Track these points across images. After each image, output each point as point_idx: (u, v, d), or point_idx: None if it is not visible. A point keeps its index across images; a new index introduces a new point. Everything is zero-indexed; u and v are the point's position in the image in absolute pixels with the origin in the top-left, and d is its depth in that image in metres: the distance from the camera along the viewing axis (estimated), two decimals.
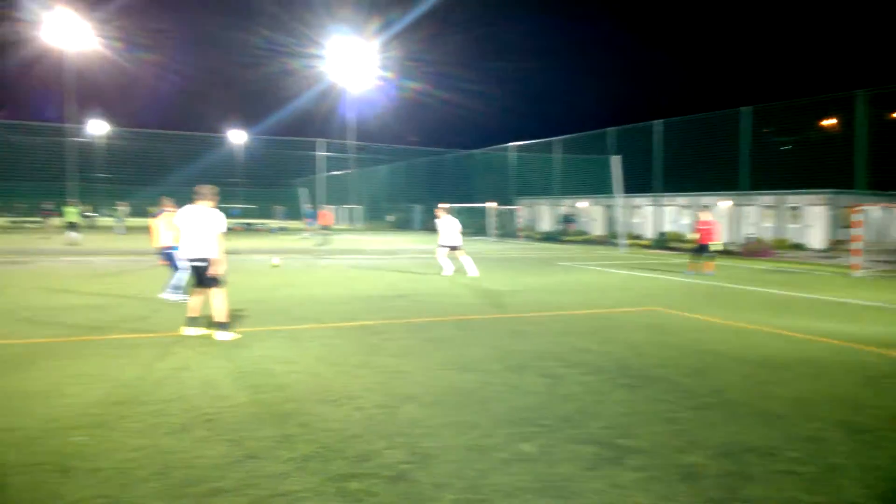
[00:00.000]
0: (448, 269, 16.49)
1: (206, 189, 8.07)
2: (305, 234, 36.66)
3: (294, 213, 67.26)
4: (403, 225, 55.89)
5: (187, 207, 8.09)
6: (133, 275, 15.66)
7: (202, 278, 8.02)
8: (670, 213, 38.90)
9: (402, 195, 57.66)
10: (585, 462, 4.30)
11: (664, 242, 32.76)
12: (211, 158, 63.08)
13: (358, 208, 58.92)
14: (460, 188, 47.90)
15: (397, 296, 12.35)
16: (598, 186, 37.59)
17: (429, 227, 51.59)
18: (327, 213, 30.98)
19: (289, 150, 61.86)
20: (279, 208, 39.70)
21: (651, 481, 4.03)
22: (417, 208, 55.66)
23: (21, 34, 45.93)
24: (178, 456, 4.26)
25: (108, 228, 41.36)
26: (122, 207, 39.83)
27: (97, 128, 57.70)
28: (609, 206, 39.86)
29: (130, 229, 37.42)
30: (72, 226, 28.59)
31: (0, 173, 45.60)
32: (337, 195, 55.10)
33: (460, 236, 16.87)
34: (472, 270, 16.15)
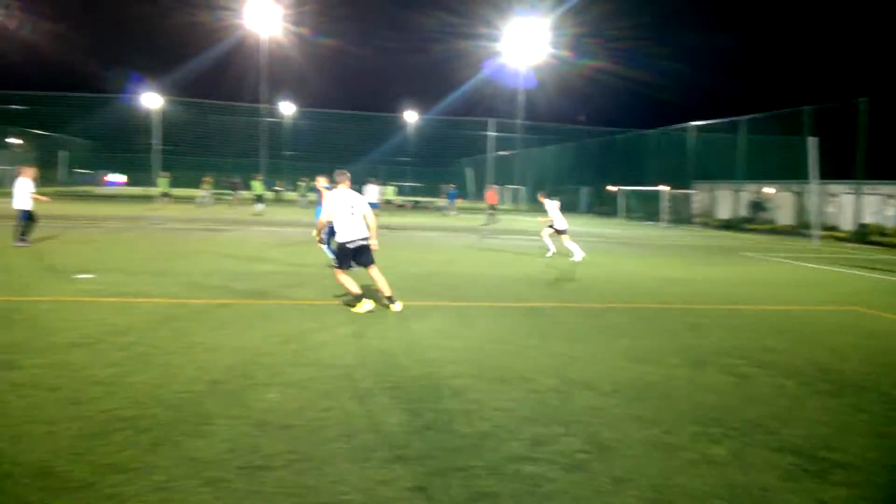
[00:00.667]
0: (551, 250, 16.47)
1: (345, 174, 8.26)
2: (451, 213, 37.53)
3: (460, 192, 68.75)
4: (568, 207, 54.98)
5: (336, 191, 8.22)
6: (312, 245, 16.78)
7: (361, 258, 8.23)
8: (872, 203, 34.75)
9: (569, 177, 56.64)
10: (783, 472, 3.92)
11: (864, 235, 29.34)
12: (386, 137, 65.98)
13: (521, 189, 58.77)
14: (632, 170, 46.06)
15: (566, 279, 12.12)
16: (787, 171, 34.42)
17: (595, 210, 50.32)
18: (493, 192, 31.10)
19: (458, 129, 63.03)
20: (451, 187, 40.81)
21: (862, 502, 3.58)
22: (584, 190, 54.41)
23: (225, 21, 50.63)
24: (363, 420, 4.45)
25: (293, 202, 44.66)
26: (304, 183, 42.78)
27: (286, 108, 62.31)
28: (800, 194, 36.42)
29: (312, 203, 40.15)
30: (258, 198, 31.40)
31: (201, 149, 50.85)
32: (502, 176, 55.32)
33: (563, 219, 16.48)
34: (578, 254, 15.80)
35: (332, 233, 11.43)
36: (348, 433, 4.22)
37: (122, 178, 71.55)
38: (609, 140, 52.86)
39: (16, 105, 52.23)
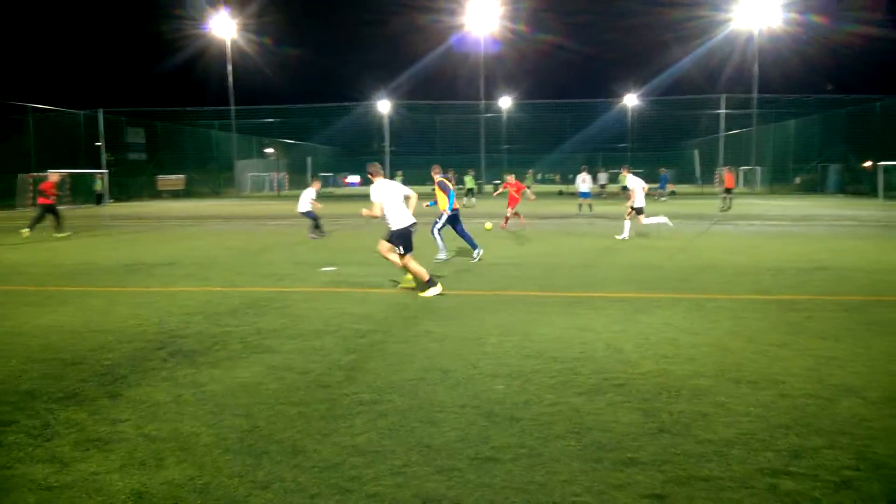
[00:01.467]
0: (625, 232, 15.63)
1: (378, 166, 8.93)
2: (662, 198, 35.30)
3: (685, 177, 64.58)
4: (814, 188, 49.10)
5: (381, 182, 8.69)
6: (539, 237, 16.77)
7: (410, 243, 8.60)
8: None
9: (815, 153, 50.47)
10: None
11: None
12: (603, 124, 64.29)
13: (757, 169, 53.65)
14: (894, 142, 39.73)
15: (816, 268, 10.73)
16: None
17: (848, 189, 44.32)
18: (729, 174, 28.54)
19: (682, 110, 59.36)
20: (663, 171, 38.42)
21: None
22: (833, 168, 48.18)
23: (446, 24, 52.86)
24: (592, 418, 4.26)
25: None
26: (530, 175, 43.17)
27: (504, 103, 63.48)
28: None
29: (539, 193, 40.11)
30: (469, 192, 32.70)
31: (426, 148, 53.58)
32: (735, 157, 50.93)
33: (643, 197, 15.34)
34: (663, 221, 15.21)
35: (450, 221, 11.38)
36: (577, 430, 4.05)
37: (358, 178, 78.35)
38: (864, 109, 46.15)
39: (269, 118, 59.34)
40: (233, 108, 53.26)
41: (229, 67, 52.64)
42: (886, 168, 38.56)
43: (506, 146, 62.93)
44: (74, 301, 8.41)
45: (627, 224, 15.74)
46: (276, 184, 62.27)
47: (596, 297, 8.21)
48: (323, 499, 3.25)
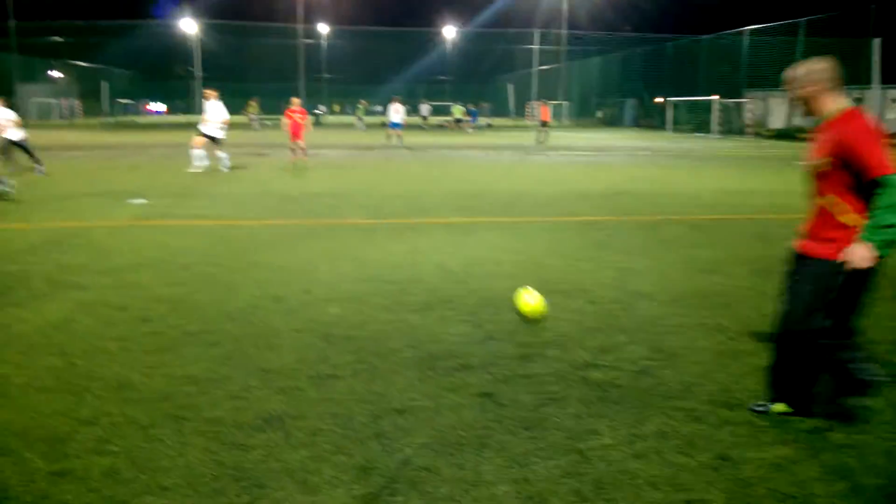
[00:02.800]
0: None
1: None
2: (468, 130, 37.04)
3: (500, 110, 67.11)
4: (613, 121, 53.49)
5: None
6: (351, 169, 16.72)
7: None
8: None
9: (615, 90, 54.69)
10: None
11: None
12: (424, 55, 64.46)
13: (564, 104, 57.19)
14: (681, 81, 44.12)
15: (617, 193, 11.86)
16: (848, 76, 32.58)
17: (642, 123, 48.77)
18: (545, 107, 29.87)
19: (498, 44, 61.11)
20: (484, 105, 39.72)
21: None
22: (630, 103, 52.63)
23: None
24: (424, 331, 4.47)
25: (351, 125, 43.22)
26: (363, 105, 42.08)
27: (322, 29, 61.14)
28: (860, 100, 34.55)
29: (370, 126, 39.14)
30: (316, 123, 30.84)
31: (239, 74, 50.44)
32: (545, 91, 53.75)
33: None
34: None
35: None
36: (412, 344, 4.24)
37: (163, 106, 72.06)
38: (657, 49, 50.56)
39: (56, 37, 52.35)
40: (12, 23, 46.12)
41: None
42: (675, 104, 42.93)
43: (325, 75, 61.10)
44: None
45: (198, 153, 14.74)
46: (66, 111, 55.55)
47: (422, 224, 8.45)
48: (158, 428, 3.14)
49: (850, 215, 2.96)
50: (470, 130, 37.42)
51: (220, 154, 14.68)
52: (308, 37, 53.75)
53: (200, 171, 14.33)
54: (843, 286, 2.99)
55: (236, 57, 53.32)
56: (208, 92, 14.91)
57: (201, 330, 4.48)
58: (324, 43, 59.79)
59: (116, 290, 5.39)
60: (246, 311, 4.90)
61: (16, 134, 14.06)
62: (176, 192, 11.35)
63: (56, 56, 58.70)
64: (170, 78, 65.65)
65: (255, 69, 54.51)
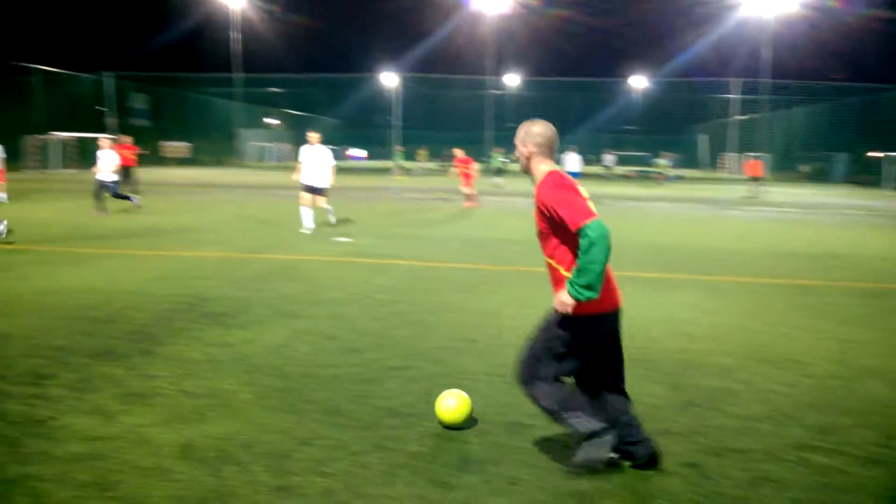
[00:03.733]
0: None
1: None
2: (666, 182, 34.95)
3: (690, 161, 64.28)
4: (819, 176, 49.01)
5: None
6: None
7: None
8: None
9: (821, 142, 50.24)
10: None
11: None
12: (611, 104, 63.93)
13: (765, 156, 53.49)
14: None
15: (828, 255, 10.79)
16: None
17: (854, 179, 44.21)
18: (756, 162, 27.64)
19: (691, 93, 59.00)
20: (668, 156, 37.91)
21: None
22: (839, 157, 48.01)
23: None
24: None
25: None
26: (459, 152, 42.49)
27: (511, 80, 63.02)
28: None
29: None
30: (498, 171, 31.22)
31: (431, 123, 53.21)
32: (741, 142, 50.71)
33: None
34: None
35: None
36: None
37: (363, 152, 77.93)
38: (872, 99, 45.89)
39: (274, 87, 58.84)
40: (237, 75, 52.88)
41: (235, 35, 52.17)
42: (893, 159, 38.47)
43: (511, 124, 62.63)
44: (99, 262, 8.48)
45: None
46: (279, 154, 62.09)
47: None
48: (366, 455, 3.32)
49: (570, 270, 3.08)
50: (667, 182, 36.07)
51: (325, 206, 12.27)
52: (496, 88, 55.68)
53: (309, 233, 11.67)
54: (580, 349, 3.11)
55: (430, 107, 56.56)
56: (311, 135, 11.88)
57: (401, 365, 4.71)
58: (510, 93, 61.52)
59: (327, 321, 5.84)
60: (440, 351, 5.08)
61: (109, 177, 14.49)
62: (375, 232, 12.15)
63: (273, 105, 65.91)
64: (370, 126, 71.06)
65: (446, 118, 57.40)
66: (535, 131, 3.21)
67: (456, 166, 18.78)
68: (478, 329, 5.71)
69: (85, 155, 39.69)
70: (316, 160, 11.73)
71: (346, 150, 79.12)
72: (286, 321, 5.83)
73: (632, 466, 3.20)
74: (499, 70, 60.27)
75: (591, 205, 2.94)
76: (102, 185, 14.36)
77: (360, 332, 5.50)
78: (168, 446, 3.40)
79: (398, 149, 41.65)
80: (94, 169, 14.81)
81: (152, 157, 47.35)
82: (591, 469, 3.09)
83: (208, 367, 4.59)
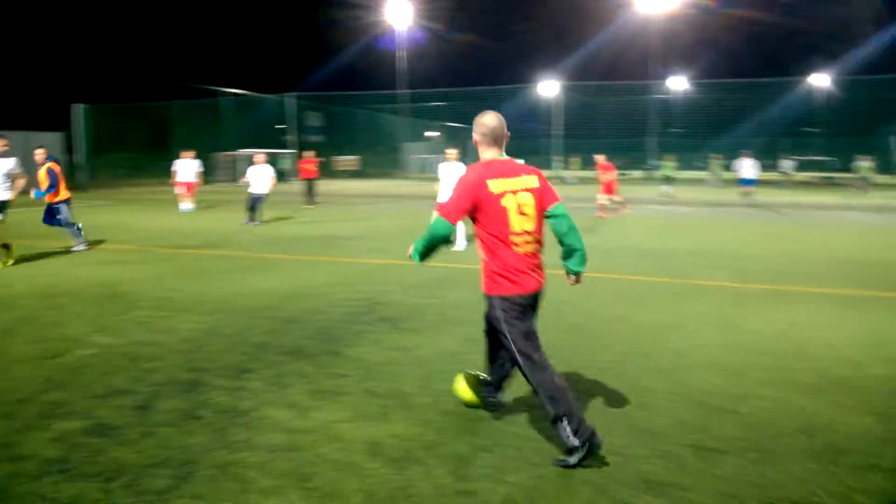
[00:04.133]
0: None
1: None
2: (863, 190, 30.82)
3: (883, 166, 57.63)
4: None
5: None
6: (720, 226, 15.87)
7: None
8: None
9: None
10: None
11: None
12: (788, 105, 59.18)
13: None
14: None
15: None
16: None
17: None
18: None
19: (883, 91, 53.11)
20: (866, 159, 33.67)
21: None
22: None
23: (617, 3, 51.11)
24: (818, 417, 3.96)
25: (700, 181, 41.58)
26: (716, 160, 39.78)
27: (677, 83, 60.26)
28: None
29: (727, 182, 37.09)
30: (666, 179, 29.70)
31: (586, 130, 52.13)
32: None
33: None
34: None
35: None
36: (804, 430, 3.79)
37: (521, 162, 78.05)
38: None
39: (434, 102, 60.83)
40: (402, 92, 55.30)
41: (400, 53, 54.64)
42: None
43: (676, 129, 59.90)
44: (283, 267, 9.23)
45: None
46: (438, 166, 64.01)
47: (801, 292, 7.61)
48: (544, 468, 3.30)
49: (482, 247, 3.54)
50: (862, 190, 32.17)
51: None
52: (660, 92, 53.56)
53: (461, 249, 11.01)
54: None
55: (590, 114, 55.63)
56: (449, 151, 11.95)
57: (577, 379, 4.63)
58: (675, 97, 58.84)
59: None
60: (615, 365, 4.94)
61: (261, 190, 15.34)
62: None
63: (434, 118, 68.05)
64: (526, 136, 71.27)
65: (607, 125, 56.15)
66: (481, 122, 3.55)
67: (601, 172, 18.07)
68: (656, 344, 5.49)
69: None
70: (453, 177, 11.37)
71: None
72: (457, 328, 5.96)
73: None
74: (663, 73, 58.01)
75: (470, 199, 3.37)
76: (256, 198, 15.37)
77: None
78: (357, 443, 3.59)
79: (557, 158, 41.35)
80: (242, 180, 16.04)
81: (326, 171, 50.75)
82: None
83: (388, 370, 4.80)
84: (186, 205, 19.24)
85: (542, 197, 3.53)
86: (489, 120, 3.54)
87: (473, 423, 3.84)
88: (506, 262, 3.41)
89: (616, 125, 51.09)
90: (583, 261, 3.69)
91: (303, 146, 48.97)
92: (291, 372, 4.74)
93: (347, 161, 53.16)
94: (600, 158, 18.32)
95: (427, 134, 72.47)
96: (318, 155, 22.89)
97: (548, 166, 46.20)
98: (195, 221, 16.31)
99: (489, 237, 3.42)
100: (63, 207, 10.57)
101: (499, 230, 3.37)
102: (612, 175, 17.95)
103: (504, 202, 3.36)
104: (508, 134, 3.61)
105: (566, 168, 44.19)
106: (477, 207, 3.36)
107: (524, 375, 3.47)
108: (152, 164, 38.39)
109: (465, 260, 9.92)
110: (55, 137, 32.90)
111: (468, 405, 4.01)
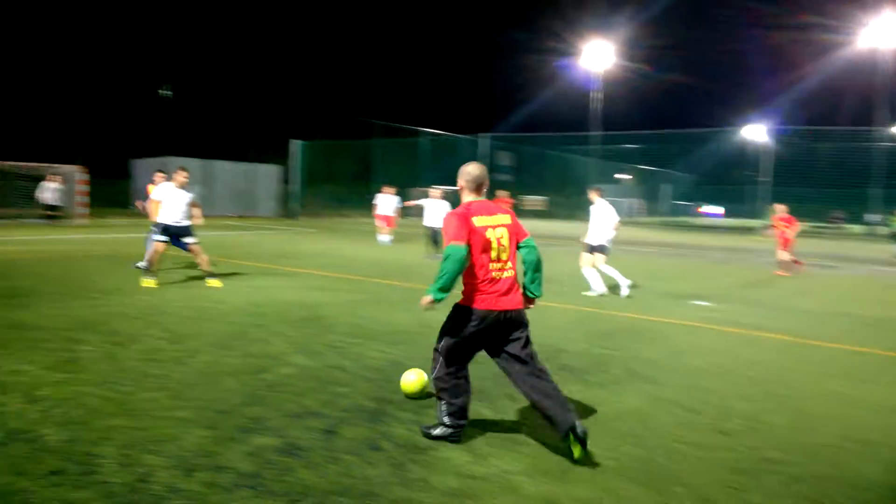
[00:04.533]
0: None
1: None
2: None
3: None
4: None
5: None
6: None
7: None
8: None
9: None
10: None
11: None
12: None
13: None
14: None
15: None
16: None
17: None
18: None
19: None
20: None
21: None
22: None
23: (836, 42, 46.70)
24: None
25: None
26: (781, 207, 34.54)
27: None
28: None
29: None
30: (894, 236, 26.06)
31: (798, 178, 47.68)
32: None
33: None
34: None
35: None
36: None
37: (719, 209, 73.59)
38: None
39: (628, 144, 59.51)
40: (594, 134, 54.75)
41: (596, 95, 54.23)
42: None
43: None
44: None
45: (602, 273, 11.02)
46: (630, 209, 62.24)
47: None
48: None
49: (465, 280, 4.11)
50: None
51: (601, 267, 10.94)
52: (888, 139, 47.76)
53: (595, 295, 10.75)
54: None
55: (802, 161, 51.03)
56: (592, 191, 11.42)
57: (781, 459, 4.10)
58: None
59: (688, 392, 5.45)
60: (828, 449, 4.31)
61: (436, 223, 16.00)
62: (736, 297, 11.19)
63: (625, 160, 66.46)
64: (728, 182, 67.08)
65: (822, 173, 51.09)
66: (467, 171, 4.24)
67: (775, 225, 16.07)
68: (879, 430, 4.73)
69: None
70: (598, 217, 11.14)
71: (700, 206, 75.67)
72: (644, 386, 5.59)
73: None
74: (891, 118, 51.77)
75: (465, 231, 3.94)
76: (435, 232, 16.06)
77: (727, 412, 4.98)
78: (534, 499, 3.44)
79: (776, 207, 38.15)
80: (408, 203, 16.53)
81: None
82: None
83: None
84: (384, 237, 20.42)
85: (515, 232, 4.20)
86: (474, 170, 4.25)
87: (660, 498, 3.52)
88: (482, 282, 4.01)
89: (832, 173, 46.38)
90: (541, 286, 4.44)
91: (494, 185, 49.95)
92: (471, 413, 4.69)
93: (535, 201, 53.51)
94: (780, 209, 16.48)
95: (617, 176, 70.97)
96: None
97: (755, 214, 43.03)
98: (391, 253, 17.23)
99: (472, 262, 4.01)
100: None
101: (479, 256, 4.00)
102: (795, 229, 16.09)
103: (486, 234, 4.01)
104: (487, 181, 4.26)
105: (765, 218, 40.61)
106: (468, 236, 3.96)
107: (433, 368, 4.23)
108: (356, 197, 41.45)
109: (655, 312, 9.40)
110: (275, 169, 36.69)
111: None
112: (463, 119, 69.22)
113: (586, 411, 4.86)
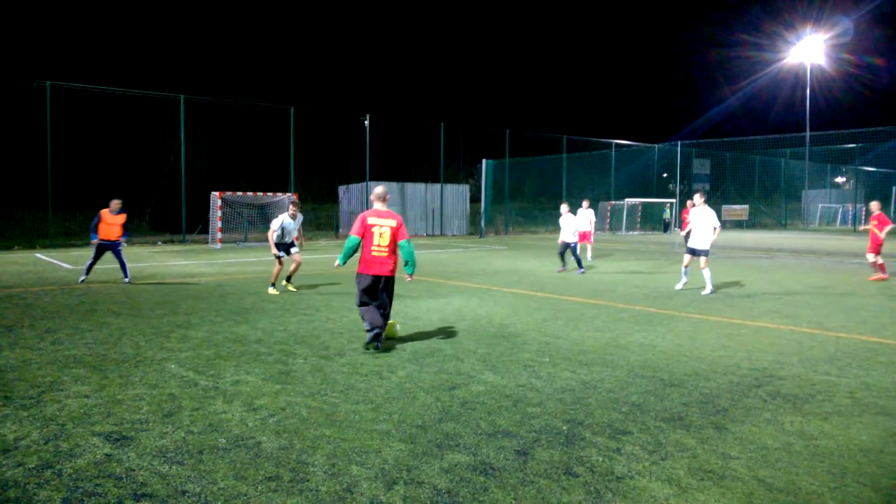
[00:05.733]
0: None
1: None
2: None
3: None
4: None
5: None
6: None
7: None
8: None
9: None
10: None
11: None
12: None
13: None
14: None
15: None
16: None
17: None
18: None
19: None
20: None
21: None
22: None
23: None
24: None
25: None
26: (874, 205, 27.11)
27: None
28: None
29: None
30: None
31: None
32: None
33: None
34: None
35: None
36: None
37: None
38: None
39: (847, 143, 53.28)
40: (807, 134, 49.73)
41: (808, 92, 49.34)
42: None
43: None
44: (662, 323, 8.87)
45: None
46: (850, 216, 55.54)
47: None
48: None
49: None
50: None
51: (704, 270, 12.01)
52: None
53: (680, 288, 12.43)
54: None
55: None
56: (696, 196, 12.34)
57: None
58: None
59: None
60: None
61: (571, 238, 15.50)
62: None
63: (844, 161, 59.58)
64: None
65: None
66: (375, 190, 7.31)
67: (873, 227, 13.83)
68: None
69: (648, 218, 43.27)
70: (700, 221, 11.97)
71: None
72: (876, 418, 4.90)
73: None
74: None
75: (361, 228, 7.08)
76: (566, 246, 15.64)
77: None
78: None
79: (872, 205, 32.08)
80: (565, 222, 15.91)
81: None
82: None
83: (785, 458, 4.14)
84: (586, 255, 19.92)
85: (396, 232, 7.11)
86: (379, 189, 7.31)
87: None
88: (366, 258, 7.07)
89: None
90: (413, 266, 7.26)
91: (687, 195, 47.45)
92: (671, 441, 4.42)
93: (735, 210, 49.73)
94: (874, 207, 14.01)
95: (837, 180, 63.84)
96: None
97: None
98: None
99: (363, 245, 7.09)
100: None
101: (368, 243, 7.05)
102: (888, 229, 13.46)
103: (372, 229, 7.05)
104: (388, 195, 7.28)
105: None
106: (363, 230, 7.07)
107: (356, 303, 7.35)
108: (543, 213, 41.42)
109: (881, 333, 8.24)
110: (463, 188, 37.79)
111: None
112: (652, 126, 66.42)
113: (803, 444, 4.35)
